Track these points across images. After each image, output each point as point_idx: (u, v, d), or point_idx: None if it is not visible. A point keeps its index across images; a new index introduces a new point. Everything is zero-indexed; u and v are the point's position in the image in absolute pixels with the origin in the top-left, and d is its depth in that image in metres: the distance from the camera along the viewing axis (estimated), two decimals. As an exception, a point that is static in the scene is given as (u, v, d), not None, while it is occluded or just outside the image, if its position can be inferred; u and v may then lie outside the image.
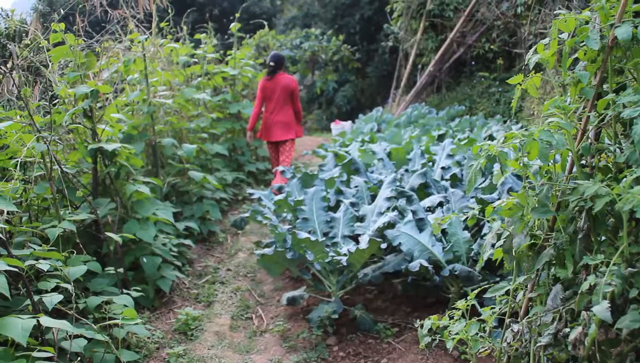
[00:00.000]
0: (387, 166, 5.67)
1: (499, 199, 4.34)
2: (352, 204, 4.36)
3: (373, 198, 4.89)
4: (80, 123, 4.31)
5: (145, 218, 4.25)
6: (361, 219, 4.16)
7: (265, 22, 10.83)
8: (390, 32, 16.20)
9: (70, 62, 4.47)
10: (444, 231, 3.91)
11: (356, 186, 4.90)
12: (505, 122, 11.37)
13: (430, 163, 5.70)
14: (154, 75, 5.68)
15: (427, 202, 4.28)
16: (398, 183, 4.58)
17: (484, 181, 4.99)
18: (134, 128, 5.25)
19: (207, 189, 6.16)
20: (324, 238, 4.01)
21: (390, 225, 3.73)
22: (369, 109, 17.53)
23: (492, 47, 12.94)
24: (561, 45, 2.42)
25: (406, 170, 5.60)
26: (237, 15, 8.25)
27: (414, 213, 3.81)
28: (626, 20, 2.09)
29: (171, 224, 4.79)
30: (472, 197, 4.34)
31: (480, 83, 13.20)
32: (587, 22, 2.25)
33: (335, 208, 4.56)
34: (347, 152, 7.54)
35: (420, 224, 3.79)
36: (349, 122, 13.77)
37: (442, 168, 5.26)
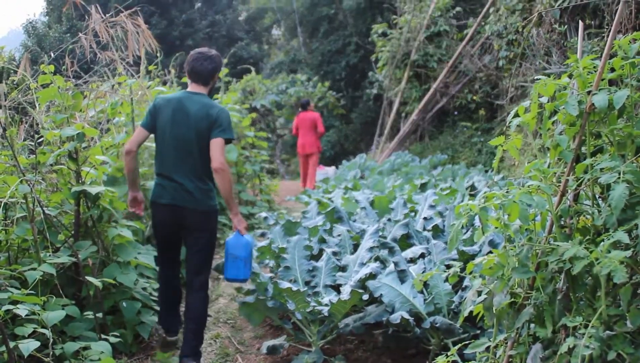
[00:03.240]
0: (369, 214, 5.71)
1: (479, 251, 4.41)
2: (335, 254, 4.38)
3: (355, 247, 4.91)
4: (64, 164, 4.31)
5: (126, 262, 4.22)
6: (343, 269, 4.18)
7: (252, 68, 10.99)
8: (375, 80, 16.51)
9: (57, 101, 4.50)
10: (425, 283, 3.93)
11: (339, 235, 4.92)
12: (487, 171, 11.53)
13: (413, 213, 5.75)
14: (140, 117, 5.71)
15: (409, 253, 4.31)
16: (381, 233, 4.62)
17: (465, 233, 5.04)
18: (119, 171, 5.26)
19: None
20: (305, 288, 4.01)
21: (372, 276, 3.75)
22: (352, 155, 17.71)
23: (474, 98, 13.22)
24: (541, 108, 2.49)
25: (389, 219, 5.63)
26: (225, 60, 8.37)
27: (395, 264, 3.83)
28: (602, 88, 2.18)
29: (152, 269, 4.76)
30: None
31: (463, 133, 13.43)
32: (565, 88, 2.34)
33: (318, 257, 4.57)
34: (330, 199, 7.59)
35: (402, 276, 3.81)
36: (333, 167, 13.89)
37: (425, 218, 5.31)
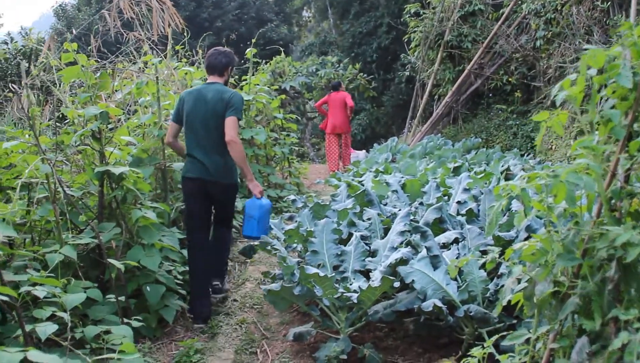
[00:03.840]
0: (401, 198, 5.53)
1: (516, 237, 4.20)
2: (364, 238, 4.22)
3: (386, 231, 4.74)
4: (89, 144, 4.23)
5: (150, 245, 4.12)
6: (373, 253, 4.01)
7: (282, 48, 10.83)
8: (407, 61, 16.20)
9: (84, 83, 4.41)
10: (459, 270, 3.75)
11: (369, 219, 4.76)
12: (522, 155, 11.22)
13: (446, 197, 5.55)
14: (167, 98, 5.60)
15: (442, 238, 4.13)
16: (412, 217, 4.44)
17: (501, 218, 4.83)
18: (144, 151, 5.16)
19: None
20: (333, 273, 3.85)
21: (403, 261, 3.58)
22: (384, 139, 17.46)
23: (510, 79, 12.86)
24: (588, 81, 2.28)
25: (421, 203, 5.45)
26: (254, 40, 8.22)
27: (428, 249, 3.65)
28: (662, 57, 1.96)
29: (177, 252, 4.67)
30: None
31: (498, 116, 13.10)
32: (616, 58, 2.12)
33: (347, 241, 4.42)
34: (360, 182, 7.42)
35: (435, 262, 3.64)
36: (363, 151, 13.69)
37: (458, 202, 5.11)
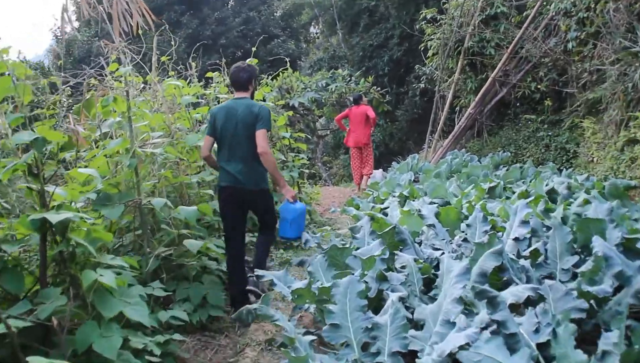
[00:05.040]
0: (439, 234, 4.40)
1: (611, 292, 3.06)
2: (401, 299, 3.06)
3: (426, 282, 3.61)
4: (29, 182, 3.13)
5: (109, 319, 3.00)
6: (417, 324, 2.86)
7: (288, 60, 9.76)
8: (422, 73, 15.09)
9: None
10: (543, 348, 2.59)
11: (403, 267, 3.61)
12: (559, 170, 10.05)
13: (493, 230, 4.41)
14: (142, 118, 4.52)
15: (509, 296, 2.97)
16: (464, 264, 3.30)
17: (574, 259, 3.69)
18: (113, 186, 4.08)
19: (212, 258, 4.95)
20: (363, 357, 2.70)
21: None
22: (399, 155, 16.32)
23: (539, 86, 11.71)
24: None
25: (464, 240, 4.32)
26: (254, 49, 7.14)
27: (500, 324, 2.51)
28: None
29: (155, 318, 3.56)
30: (572, 289, 3.03)
31: (526, 127, 11.94)
32: None
33: (376, 301, 3.28)
34: (384, 211, 6.29)
35: (511, 342, 2.49)
36: (380, 171, 12.54)
37: (516, 239, 3.97)
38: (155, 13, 4.47)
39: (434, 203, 6.96)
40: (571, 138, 10.86)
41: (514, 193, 7.39)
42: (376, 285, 3.33)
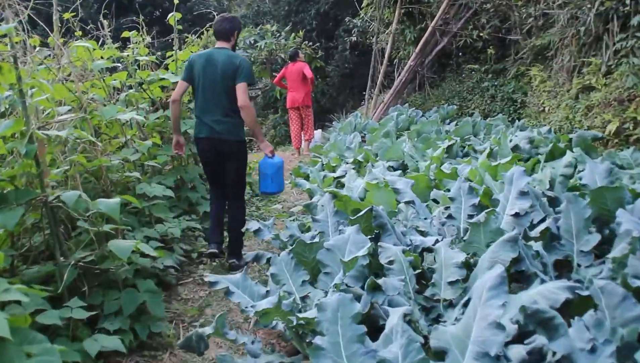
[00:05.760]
0: (420, 211, 3.69)
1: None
2: (406, 317, 2.31)
3: (418, 277, 2.91)
4: None
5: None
6: (436, 353, 2.12)
7: (215, 14, 8.72)
8: (354, 25, 14.27)
9: None
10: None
11: (390, 261, 2.87)
12: (511, 121, 9.57)
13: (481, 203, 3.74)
14: (42, 91, 3.53)
15: (541, 300, 2.28)
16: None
17: (595, 238, 3.07)
18: (8, 182, 3.13)
19: (143, 256, 4.08)
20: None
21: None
22: (331, 113, 15.54)
23: (481, 34, 11.13)
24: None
25: (449, 216, 3.65)
26: (176, 2, 6.11)
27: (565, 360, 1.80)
28: None
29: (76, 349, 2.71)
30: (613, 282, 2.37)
31: (470, 77, 11.40)
32: None
33: (367, 315, 2.52)
34: (338, 182, 5.56)
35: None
36: (319, 131, 11.78)
37: (516, 214, 3.29)
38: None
39: (392, 168, 6.28)
40: (518, 87, 10.38)
41: (475, 151, 6.79)
42: (368, 298, 2.56)
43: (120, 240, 3.51)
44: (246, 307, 2.77)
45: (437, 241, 3.03)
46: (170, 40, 6.61)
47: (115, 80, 5.34)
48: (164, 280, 4.38)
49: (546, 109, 9.09)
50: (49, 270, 3.24)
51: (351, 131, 9.51)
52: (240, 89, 4.43)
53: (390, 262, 2.88)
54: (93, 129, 4.24)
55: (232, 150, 4.63)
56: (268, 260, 3.42)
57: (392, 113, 10.13)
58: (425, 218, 3.64)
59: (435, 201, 4.43)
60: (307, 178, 6.45)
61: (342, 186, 5.82)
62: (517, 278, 2.79)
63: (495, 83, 10.76)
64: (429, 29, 11.23)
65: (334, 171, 6.45)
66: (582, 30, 8.23)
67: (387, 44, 12.09)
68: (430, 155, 6.70)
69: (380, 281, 2.57)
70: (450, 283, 2.74)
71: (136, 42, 6.25)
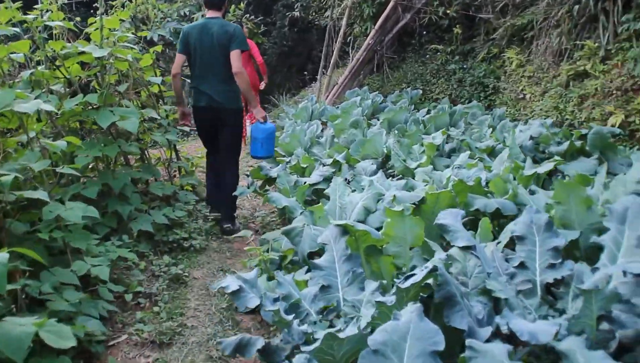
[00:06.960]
0: (484, 262, 2.47)
1: None
2: None
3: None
4: None
5: None
6: None
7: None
8: (296, 0, 12.90)
9: None
10: None
11: None
12: (487, 109, 8.54)
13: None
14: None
15: None
16: None
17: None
18: None
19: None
20: None
21: None
22: (268, 95, 14.13)
23: (447, 11, 10.00)
24: None
25: (520, 265, 2.49)
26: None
27: None
28: None
29: None
30: None
31: (434, 58, 10.28)
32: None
33: None
34: (318, 192, 4.32)
35: None
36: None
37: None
38: None
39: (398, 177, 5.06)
40: (489, 70, 9.34)
41: (470, 148, 5.64)
42: None
43: (11, 320, 2.11)
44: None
45: (557, 333, 1.82)
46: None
47: (14, 52, 3.88)
48: (87, 348, 3.01)
49: (527, 96, 8.09)
50: None
51: (308, 118, 8.20)
52: (235, 56, 4.56)
53: None
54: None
55: (229, 118, 4.78)
56: (261, 350, 2.11)
57: (353, 98, 8.88)
58: (490, 273, 2.41)
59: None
60: (269, 181, 5.18)
61: (321, 196, 4.56)
62: None
63: (464, 66, 9.69)
64: (390, 3, 10.03)
65: (304, 174, 5.17)
66: (576, 8, 7.23)
67: (341, 19, 10.79)
68: (417, 152, 5.54)
69: None
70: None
71: (49, 2, 4.74)
